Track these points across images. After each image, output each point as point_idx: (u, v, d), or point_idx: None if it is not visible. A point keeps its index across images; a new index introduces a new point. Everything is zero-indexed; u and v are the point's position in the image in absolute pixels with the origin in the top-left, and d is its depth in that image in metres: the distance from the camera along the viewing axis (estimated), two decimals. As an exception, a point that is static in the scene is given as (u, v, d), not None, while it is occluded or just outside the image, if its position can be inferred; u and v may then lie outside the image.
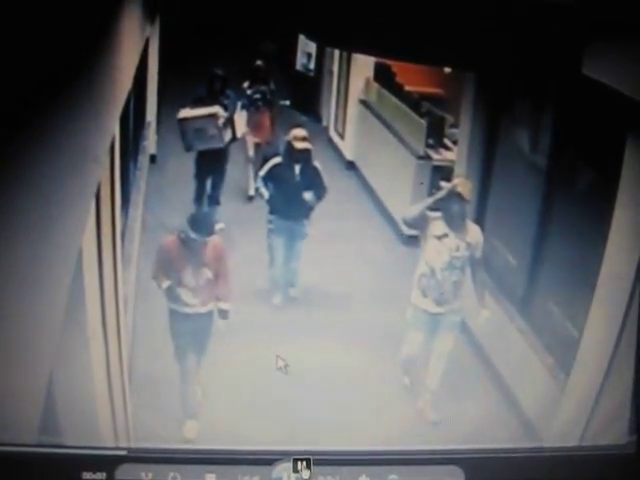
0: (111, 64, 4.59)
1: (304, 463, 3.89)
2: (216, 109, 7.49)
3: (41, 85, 3.06)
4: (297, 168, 7.05)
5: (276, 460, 3.92)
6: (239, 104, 7.87)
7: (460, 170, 7.34)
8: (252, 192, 7.92)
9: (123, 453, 3.92)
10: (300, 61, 8.71)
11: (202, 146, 7.48)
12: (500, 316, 6.47)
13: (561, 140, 6.09)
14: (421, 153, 7.91)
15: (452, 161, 7.64)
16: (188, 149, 7.49)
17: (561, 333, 5.84)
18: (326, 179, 7.09)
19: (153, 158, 8.02)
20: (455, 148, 7.72)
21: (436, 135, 7.99)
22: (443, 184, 6.53)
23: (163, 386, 5.93)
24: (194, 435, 5.66)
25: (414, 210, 6.26)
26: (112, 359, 5.17)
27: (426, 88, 8.33)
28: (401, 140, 8.22)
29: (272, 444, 4.06)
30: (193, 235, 5.94)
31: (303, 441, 4.12)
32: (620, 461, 4.11)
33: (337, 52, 8.72)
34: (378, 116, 8.70)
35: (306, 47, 8.63)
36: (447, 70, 7.58)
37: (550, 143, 6.27)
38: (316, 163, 7.13)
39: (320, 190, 7.09)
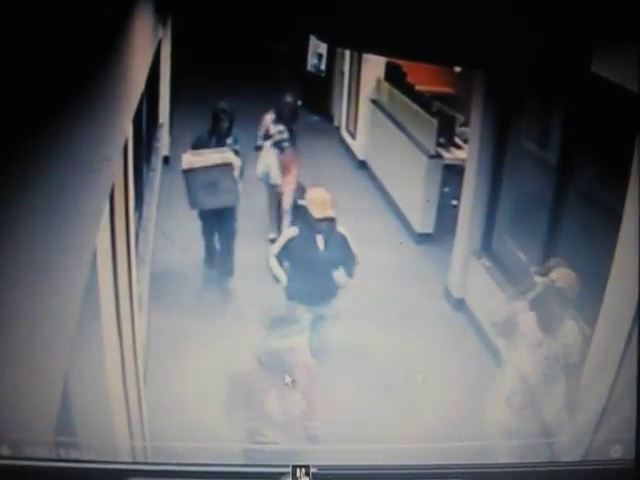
0: (124, 65, 4.62)
1: (303, 470, 3.93)
2: (229, 156, 6.06)
3: (54, 86, 3.09)
4: (320, 239, 5.70)
5: (282, 475, 3.97)
6: (268, 144, 6.66)
7: (471, 167, 7.34)
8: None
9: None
10: (311, 62, 8.72)
11: (215, 204, 6.00)
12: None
13: (571, 138, 6.09)
14: (432, 152, 7.93)
15: (463, 160, 7.65)
16: (194, 206, 5.98)
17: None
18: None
19: (166, 159, 8.05)
20: (466, 147, 7.73)
21: (447, 134, 8.01)
22: (538, 279, 5.24)
23: (179, 389, 5.88)
24: None
25: (503, 311, 5.25)
26: (127, 361, 5.20)
27: (437, 87, 8.35)
28: (412, 139, 8.23)
29: (281, 459, 4.09)
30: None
31: (309, 456, 4.14)
32: (627, 476, 4.11)
33: (348, 53, 8.74)
34: (389, 115, 8.71)
35: (317, 48, 8.64)
36: (457, 69, 7.61)
37: (560, 141, 6.27)
38: (341, 229, 5.78)
39: (351, 265, 5.75)
